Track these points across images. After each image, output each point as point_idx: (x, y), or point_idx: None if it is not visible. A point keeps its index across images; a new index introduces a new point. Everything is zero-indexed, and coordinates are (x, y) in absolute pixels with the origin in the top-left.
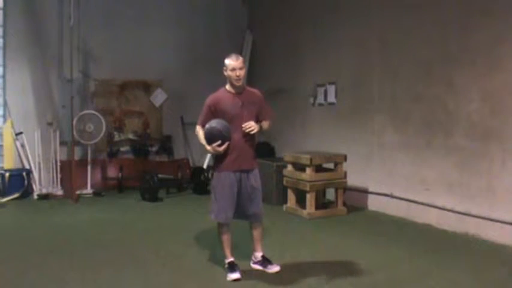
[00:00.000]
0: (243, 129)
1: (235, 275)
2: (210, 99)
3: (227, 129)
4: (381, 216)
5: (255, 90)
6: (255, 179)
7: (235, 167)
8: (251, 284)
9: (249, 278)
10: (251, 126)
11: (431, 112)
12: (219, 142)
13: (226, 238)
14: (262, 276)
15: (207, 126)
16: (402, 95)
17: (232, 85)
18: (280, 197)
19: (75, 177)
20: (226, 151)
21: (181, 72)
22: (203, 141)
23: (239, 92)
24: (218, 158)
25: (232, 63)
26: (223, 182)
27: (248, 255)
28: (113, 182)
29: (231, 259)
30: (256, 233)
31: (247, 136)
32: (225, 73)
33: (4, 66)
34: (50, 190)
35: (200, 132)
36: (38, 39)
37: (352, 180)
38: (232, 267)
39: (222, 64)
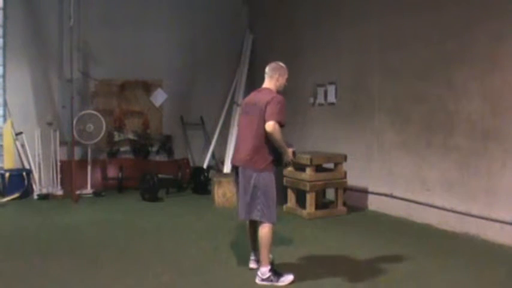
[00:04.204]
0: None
1: (291, 276)
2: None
3: None
4: (381, 216)
5: None
6: None
7: None
8: (251, 284)
9: (249, 278)
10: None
11: (431, 112)
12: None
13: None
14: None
15: None
16: (402, 95)
17: (279, 91)
18: (280, 197)
19: (75, 177)
20: (274, 153)
21: (181, 72)
22: (282, 142)
23: None
24: (268, 159)
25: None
26: (273, 182)
27: (243, 257)
28: (113, 182)
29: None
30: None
31: None
32: (281, 78)
33: (4, 66)
34: (50, 190)
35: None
36: (38, 39)
37: (352, 180)
38: (278, 271)
39: (222, 64)
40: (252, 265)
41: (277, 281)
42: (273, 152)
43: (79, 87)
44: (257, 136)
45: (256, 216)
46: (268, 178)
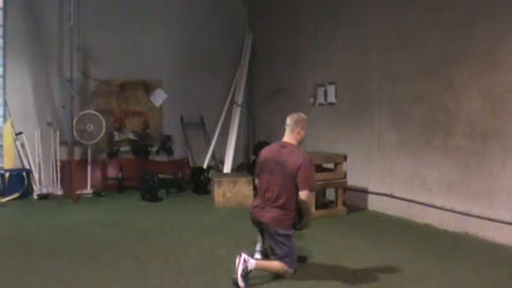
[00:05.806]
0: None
1: None
2: (311, 161)
3: None
4: (381, 216)
5: None
6: None
7: None
8: (251, 283)
9: (249, 278)
10: None
11: (431, 112)
12: None
13: None
14: (262, 276)
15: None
16: (402, 95)
17: (299, 144)
18: None
19: (75, 177)
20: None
21: (181, 72)
22: (310, 209)
23: None
24: (292, 219)
25: None
26: (293, 234)
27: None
28: (113, 182)
29: None
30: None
31: None
32: (303, 131)
33: (4, 66)
34: (50, 190)
35: None
36: (38, 39)
37: (352, 180)
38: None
39: (222, 64)
40: (257, 255)
41: (242, 281)
42: (295, 214)
43: (79, 87)
44: (287, 200)
45: (279, 253)
46: (290, 234)
